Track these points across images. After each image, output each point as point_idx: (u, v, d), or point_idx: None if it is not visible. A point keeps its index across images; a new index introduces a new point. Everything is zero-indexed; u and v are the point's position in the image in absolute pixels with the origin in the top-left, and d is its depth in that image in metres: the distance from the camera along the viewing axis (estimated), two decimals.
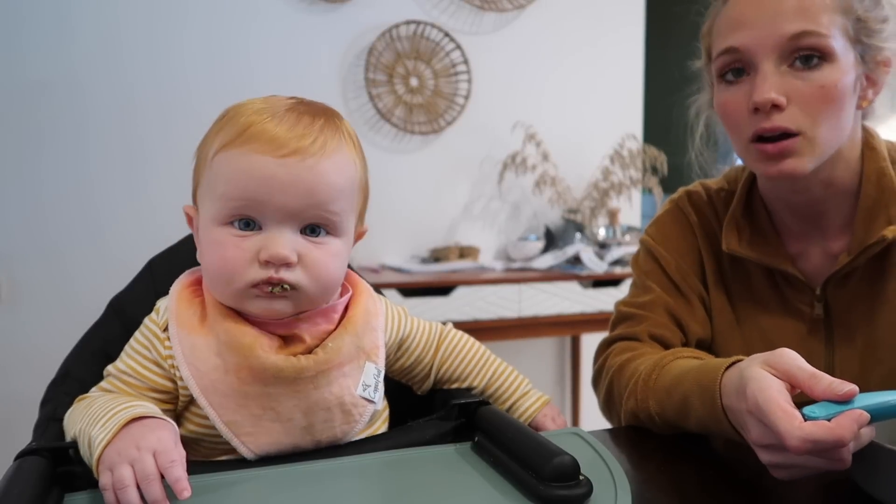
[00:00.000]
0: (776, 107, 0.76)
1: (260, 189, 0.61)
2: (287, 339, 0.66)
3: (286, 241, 0.62)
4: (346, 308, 0.71)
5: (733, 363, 0.66)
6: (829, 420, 0.53)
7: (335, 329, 0.68)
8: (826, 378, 0.56)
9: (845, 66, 0.76)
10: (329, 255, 0.65)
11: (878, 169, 0.82)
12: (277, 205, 0.61)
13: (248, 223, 0.62)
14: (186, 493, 0.52)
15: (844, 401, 0.55)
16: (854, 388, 0.55)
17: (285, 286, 0.62)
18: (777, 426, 0.54)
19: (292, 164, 0.61)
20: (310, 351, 0.66)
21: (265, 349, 0.64)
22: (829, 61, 0.75)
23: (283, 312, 0.64)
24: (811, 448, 0.53)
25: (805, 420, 0.54)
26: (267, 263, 0.61)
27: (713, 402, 0.65)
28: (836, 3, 0.76)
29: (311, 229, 0.64)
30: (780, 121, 0.76)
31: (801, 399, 0.58)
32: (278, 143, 0.61)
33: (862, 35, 0.77)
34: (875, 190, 0.82)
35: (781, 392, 0.57)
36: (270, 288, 0.62)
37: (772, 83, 0.76)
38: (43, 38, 2.17)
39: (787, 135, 0.76)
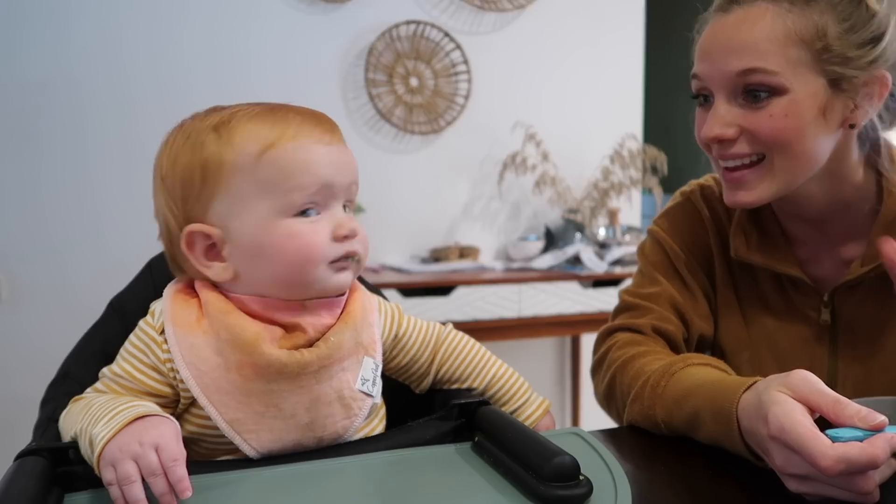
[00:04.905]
0: (726, 139, 0.78)
1: (330, 172, 0.66)
2: (289, 329, 0.67)
3: (350, 217, 0.68)
4: (345, 303, 0.72)
5: (750, 386, 0.65)
6: (860, 441, 0.53)
7: (335, 323, 0.69)
8: (852, 406, 0.55)
9: (802, 98, 0.75)
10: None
11: None
12: (342, 184, 0.67)
13: (306, 210, 0.66)
14: (188, 493, 0.54)
15: (875, 430, 0.54)
16: (885, 418, 0.54)
17: (356, 257, 0.68)
18: (808, 448, 0.53)
19: (337, 148, 0.68)
20: (310, 344, 0.67)
21: (268, 343, 0.64)
22: (779, 95, 0.75)
23: (347, 284, 0.69)
24: (844, 469, 0.52)
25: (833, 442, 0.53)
26: (344, 239, 0.67)
27: (729, 425, 0.65)
28: (790, 37, 0.74)
29: (343, 207, 0.70)
30: (734, 149, 0.79)
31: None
32: (319, 133, 0.66)
33: (833, 64, 0.74)
34: None
35: (805, 415, 0.56)
36: (348, 259, 0.67)
37: (718, 118, 0.78)
38: (42, 37, 2.18)
39: (755, 158, 0.78)
